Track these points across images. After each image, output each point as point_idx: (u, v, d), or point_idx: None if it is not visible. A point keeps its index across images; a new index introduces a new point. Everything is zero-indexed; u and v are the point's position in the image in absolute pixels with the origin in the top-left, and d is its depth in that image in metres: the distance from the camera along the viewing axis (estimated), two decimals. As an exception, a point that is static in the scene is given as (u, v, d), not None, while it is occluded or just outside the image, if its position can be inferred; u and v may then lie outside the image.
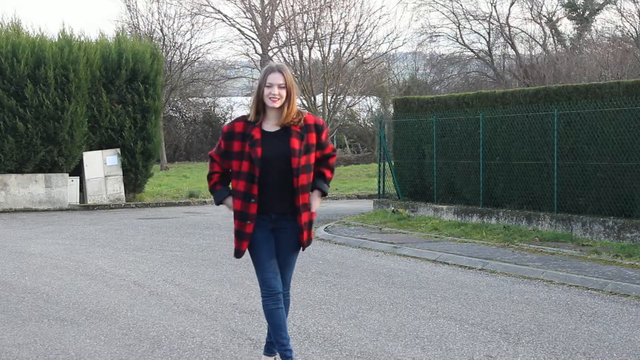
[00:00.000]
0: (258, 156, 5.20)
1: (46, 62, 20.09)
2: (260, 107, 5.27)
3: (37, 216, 18.70)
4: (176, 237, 14.19)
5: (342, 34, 32.52)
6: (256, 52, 40.66)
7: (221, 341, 6.68)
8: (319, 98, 32.49)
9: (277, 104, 5.22)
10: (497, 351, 6.41)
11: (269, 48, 38.78)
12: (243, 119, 5.34)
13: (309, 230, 5.42)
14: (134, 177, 21.84)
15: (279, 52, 37.23)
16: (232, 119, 5.32)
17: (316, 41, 32.02)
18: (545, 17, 40.43)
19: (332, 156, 5.52)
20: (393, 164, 18.36)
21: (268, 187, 5.27)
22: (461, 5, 40.22)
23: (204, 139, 41.15)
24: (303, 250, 5.49)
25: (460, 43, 41.08)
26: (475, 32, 40.94)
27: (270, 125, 5.30)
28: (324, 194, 5.49)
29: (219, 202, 5.47)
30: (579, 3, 39.74)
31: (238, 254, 5.41)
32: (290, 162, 5.23)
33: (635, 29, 36.77)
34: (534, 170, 14.43)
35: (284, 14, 35.68)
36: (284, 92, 5.22)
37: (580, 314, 7.83)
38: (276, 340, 5.45)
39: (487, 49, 40.74)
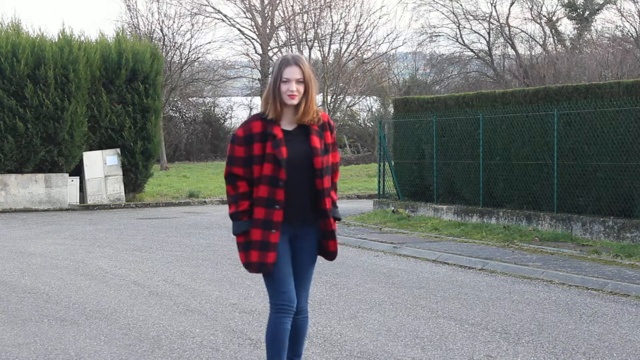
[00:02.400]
0: (284, 157, 4.67)
1: (46, 62, 20.09)
2: (279, 103, 4.70)
3: (37, 216, 18.70)
4: (176, 237, 14.20)
5: (342, 34, 32.59)
6: (256, 52, 40.68)
7: (221, 341, 6.68)
8: (319, 98, 32.52)
9: (295, 101, 4.70)
10: (497, 351, 6.41)
11: (269, 48, 38.78)
12: (259, 117, 4.78)
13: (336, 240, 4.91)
14: (134, 177, 21.85)
15: (279, 52, 37.25)
16: (245, 121, 4.85)
17: (316, 41, 32.08)
18: (545, 17, 40.44)
19: (336, 171, 4.96)
20: (393, 164, 18.36)
21: (291, 191, 4.74)
22: (461, 5, 40.23)
23: (204, 139, 41.16)
24: (332, 260, 4.95)
25: (460, 43, 41.09)
26: (475, 32, 40.96)
27: (287, 123, 4.78)
28: (337, 220, 4.94)
29: (237, 233, 4.81)
30: (579, 3, 39.74)
31: (263, 267, 4.74)
32: (313, 163, 4.73)
33: (635, 29, 36.78)
34: (534, 170, 14.42)
35: (284, 14, 35.74)
36: (302, 88, 4.70)
37: (580, 314, 7.84)
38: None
39: (487, 49, 40.73)
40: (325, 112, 5.02)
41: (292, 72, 4.68)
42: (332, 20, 32.31)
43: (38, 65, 20.10)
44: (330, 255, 4.92)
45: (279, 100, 4.71)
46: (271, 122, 4.74)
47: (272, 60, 38.52)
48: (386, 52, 36.19)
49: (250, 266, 4.78)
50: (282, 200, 4.71)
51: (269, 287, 4.86)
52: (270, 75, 4.85)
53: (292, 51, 33.39)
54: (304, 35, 32.20)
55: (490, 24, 40.11)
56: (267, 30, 38.87)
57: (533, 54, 39.71)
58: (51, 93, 20.08)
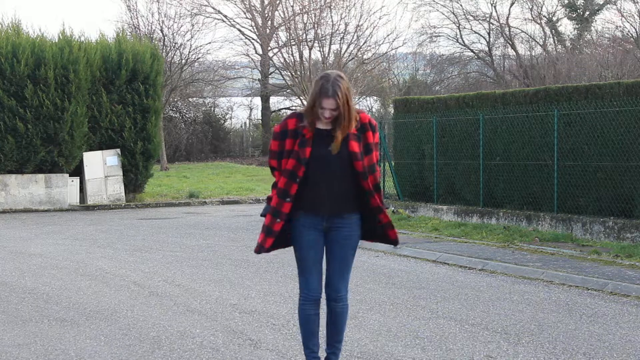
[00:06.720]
0: (306, 156, 5.09)
1: (46, 62, 20.09)
2: (315, 116, 5.12)
3: (37, 216, 18.70)
4: (176, 238, 14.20)
5: (342, 34, 32.55)
6: (256, 52, 40.67)
7: (221, 341, 6.68)
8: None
9: (330, 120, 5.11)
10: (497, 351, 6.41)
11: (269, 48, 38.77)
12: (296, 115, 5.20)
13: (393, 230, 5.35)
14: (134, 177, 21.84)
15: (279, 52, 37.24)
16: (285, 117, 5.32)
17: (316, 41, 32.04)
18: (545, 17, 40.43)
19: (375, 171, 5.26)
20: (393, 164, 18.36)
21: (317, 187, 5.15)
22: (461, 5, 40.22)
23: (204, 139, 41.15)
24: (396, 245, 5.44)
25: (460, 43, 41.08)
26: (475, 32, 40.95)
27: (323, 124, 5.16)
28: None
29: (262, 215, 5.33)
30: (579, 3, 39.74)
31: (260, 249, 5.23)
32: (354, 166, 5.12)
33: (635, 29, 36.78)
34: (534, 171, 14.43)
35: (284, 14, 35.72)
36: (336, 113, 5.08)
37: (580, 314, 7.84)
38: (306, 346, 5.39)
39: (487, 49, 40.72)
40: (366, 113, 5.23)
41: (328, 103, 5.05)
42: (332, 21, 32.29)
43: (38, 66, 20.09)
44: (393, 242, 5.39)
45: (314, 116, 5.11)
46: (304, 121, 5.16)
47: (272, 61, 38.52)
48: (386, 53, 36.11)
49: (256, 245, 5.26)
50: (294, 194, 5.14)
51: (298, 274, 5.38)
52: (311, 91, 5.18)
53: (292, 51, 33.32)
54: (304, 35, 32.17)
55: (491, 25, 40.12)
56: (267, 31, 38.85)
57: (533, 54, 39.70)
58: (51, 93, 20.08)
